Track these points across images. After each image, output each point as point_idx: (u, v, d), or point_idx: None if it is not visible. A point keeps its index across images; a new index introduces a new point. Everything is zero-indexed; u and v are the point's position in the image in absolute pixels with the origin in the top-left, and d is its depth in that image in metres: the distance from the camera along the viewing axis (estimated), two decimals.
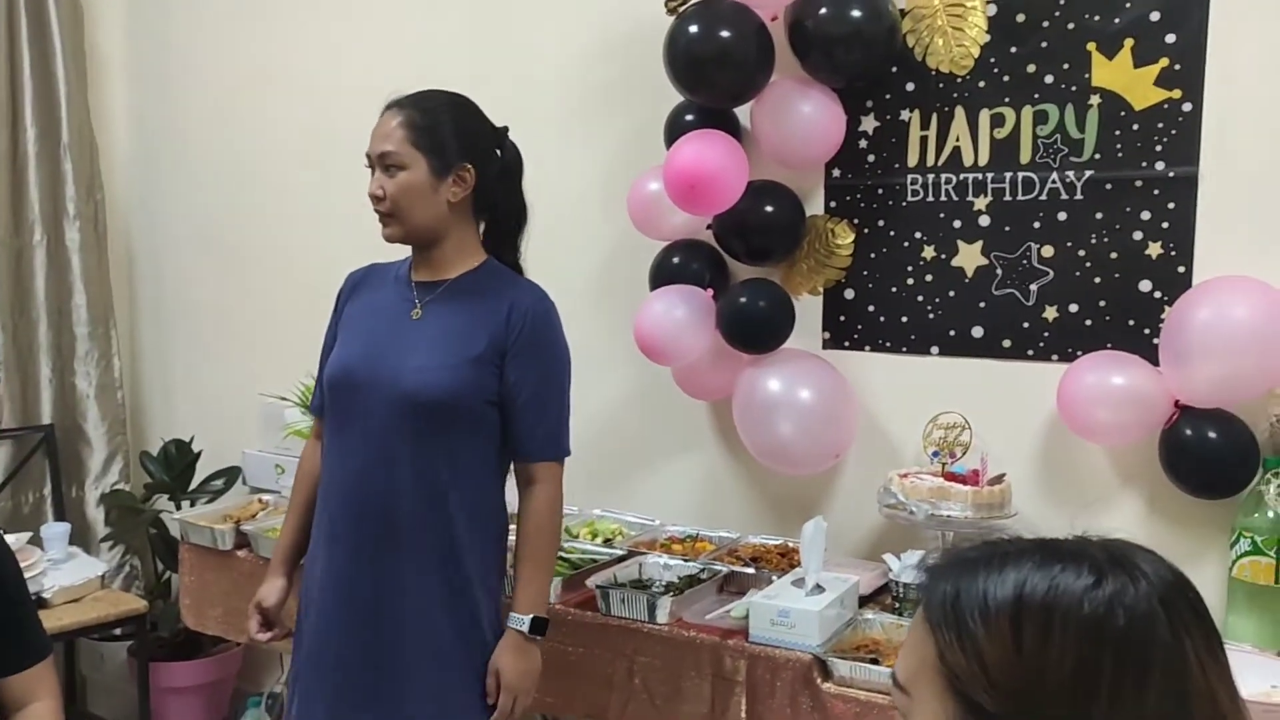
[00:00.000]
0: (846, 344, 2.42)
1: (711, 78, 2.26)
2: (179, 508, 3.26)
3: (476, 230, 1.93)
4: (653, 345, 2.33)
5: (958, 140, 2.25)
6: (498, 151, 1.91)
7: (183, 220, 3.58)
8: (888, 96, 2.32)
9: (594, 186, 2.68)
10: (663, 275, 2.46)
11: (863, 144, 2.36)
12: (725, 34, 2.22)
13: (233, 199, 3.42)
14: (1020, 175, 2.18)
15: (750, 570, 2.18)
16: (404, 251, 1.95)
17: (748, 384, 2.32)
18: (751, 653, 1.90)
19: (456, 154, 1.83)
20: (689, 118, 2.40)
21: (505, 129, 1.95)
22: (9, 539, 2.92)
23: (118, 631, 3.22)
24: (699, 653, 1.95)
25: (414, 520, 1.80)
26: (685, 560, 2.24)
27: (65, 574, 3.13)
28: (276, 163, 3.27)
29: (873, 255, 2.37)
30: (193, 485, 3.36)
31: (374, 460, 1.81)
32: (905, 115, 2.31)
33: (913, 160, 2.31)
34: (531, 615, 1.82)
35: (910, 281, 2.33)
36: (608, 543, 2.40)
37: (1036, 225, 2.17)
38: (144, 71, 3.63)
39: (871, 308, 2.38)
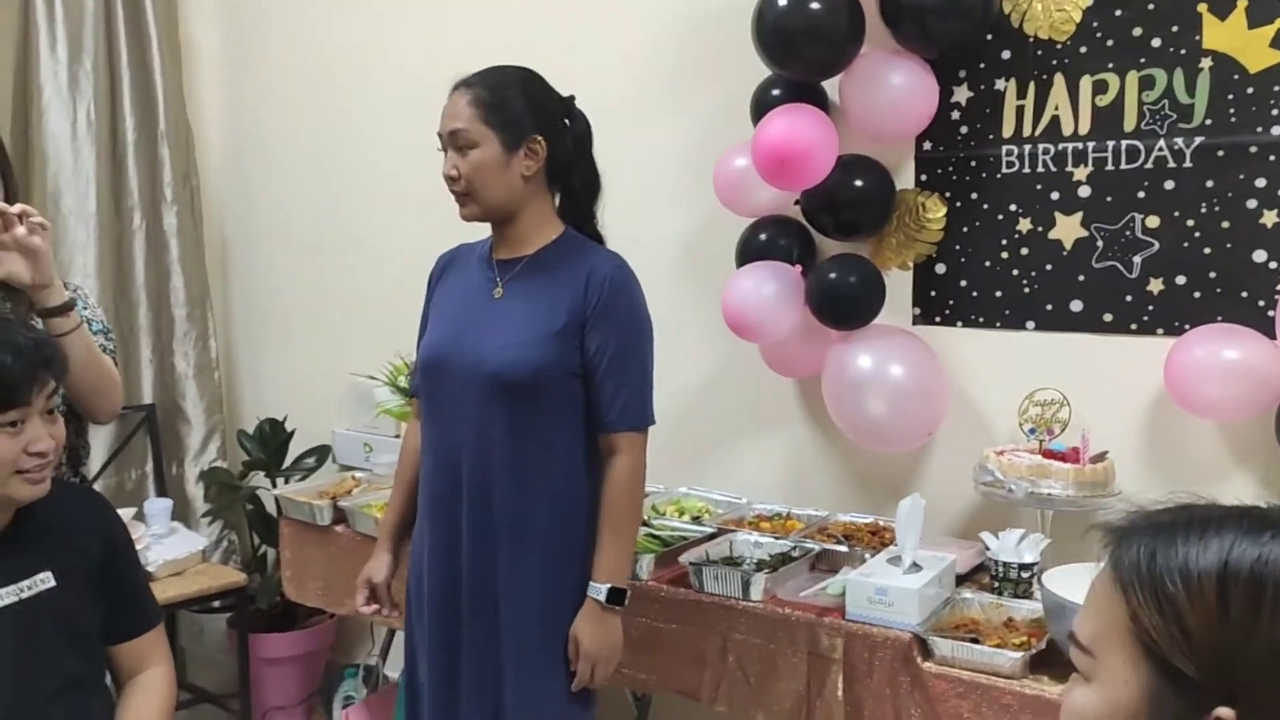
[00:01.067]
0: (938, 319, 2.38)
1: (800, 51, 2.23)
2: (274, 485, 3.35)
3: (552, 202, 1.93)
4: (742, 322, 2.32)
5: (1056, 109, 2.19)
6: (567, 121, 1.90)
7: (275, 204, 3.65)
8: (982, 66, 2.27)
9: (680, 163, 2.67)
10: (750, 252, 2.44)
11: (955, 115, 2.31)
12: (815, 6, 2.18)
13: (323, 183, 3.48)
14: (1124, 144, 2.11)
15: (843, 548, 2.17)
16: (489, 230, 1.96)
17: (837, 361, 2.30)
18: (848, 630, 1.89)
19: (526, 127, 1.82)
20: (776, 92, 2.37)
21: (572, 98, 1.93)
22: None
23: (216, 604, 3.32)
24: (794, 630, 1.95)
25: (504, 498, 1.82)
26: (776, 538, 2.23)
27: (168, 548, 3.23)
28: (365, 147, 3.32)
29: (965, 229, 2.32)
30: (286, 463, 3.44)
31: (465, 440, 1.84)
32: (1000, 85, 2.26)
33: (1008, 131, 2.25)
34: (609, 584, 1.81)
35: (1005, 255, 2.28)
36: (695, 520, 2.40)
37: (1141, 195, 2.11)
38: (237, 61, 3.70)
39: (964, 282, 2.34)
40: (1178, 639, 0.76)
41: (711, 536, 2.27)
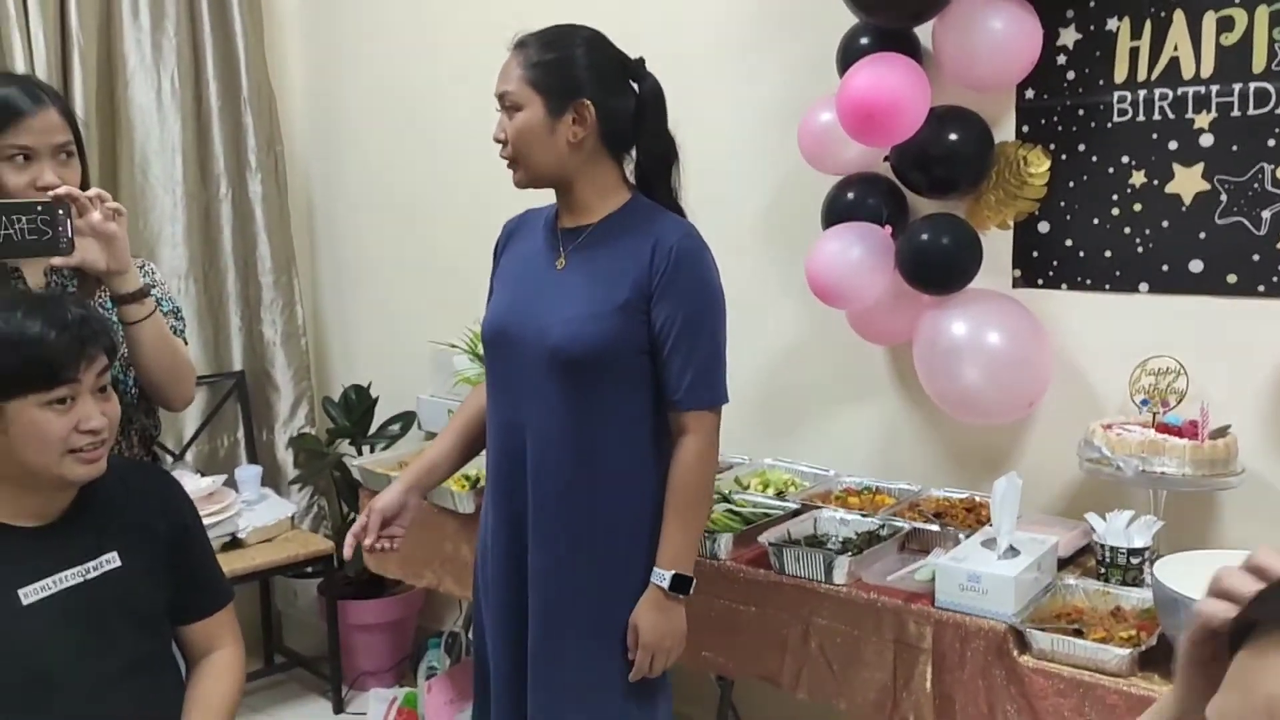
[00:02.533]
0: (1040, 282, 2.21)
1: None
2: (360, 452, 3.35)
3: (617, 169, 1.80)
4: (826, 288, 2.19)
5: (1175, 50, 1.99)
6: (634, 86, 1.77)
7: (357, 171, 3.63)
8: (1091, 4, 2.09)
9: (764, 120, 2.54)
10: (836, 212, 2.30)
11: (1061, 60, 2.13)
12: None
13: (404, 149, 3.44)
14: (1252, 87, 1.91)
15: (935, 527, 2.04)
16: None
17: (930, 327, 2.16)
18: (938, 619, 1.78)
19: (575, 91, 1.70)
20: (864, 41, 2.22)
21: (641, 60, 1.80)
22: (205, 481, 3.11)
23: (309, 569, 3.36)
24: (880, 616, 1.84)
25: (566, 477, 1.75)
26: (863, 515, 2.12)
27: (258, 514, 3.27)
28: (449, 110, 3.25)
29: (1071, 184, 2.15)
30: (372, 430, 3.44)
31: (527, 415, 1.77)
32: (1112, 25, 2.07)
33: (1120, 75, 2.07)
34: (673, 572, 1.72)
35: (1115, 212, 2.10)
36: (780, 495, 2.30)
37: (1271, 143, 1.91)
38: (318, 24, 3.67)
39: (1069, 242, 2.16)
40: None
41: (796, 513, 2.17)
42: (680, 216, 1.81)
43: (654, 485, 1.77)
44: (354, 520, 3.42)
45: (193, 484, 2.99)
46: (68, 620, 1.47)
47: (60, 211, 1.59)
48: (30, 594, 1.45)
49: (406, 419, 3.41)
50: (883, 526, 2.06)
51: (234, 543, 3.14)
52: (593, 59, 1.74)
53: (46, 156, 1.68)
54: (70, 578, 1.49)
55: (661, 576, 1.72)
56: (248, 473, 3.37)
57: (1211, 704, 0.69)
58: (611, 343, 1.71)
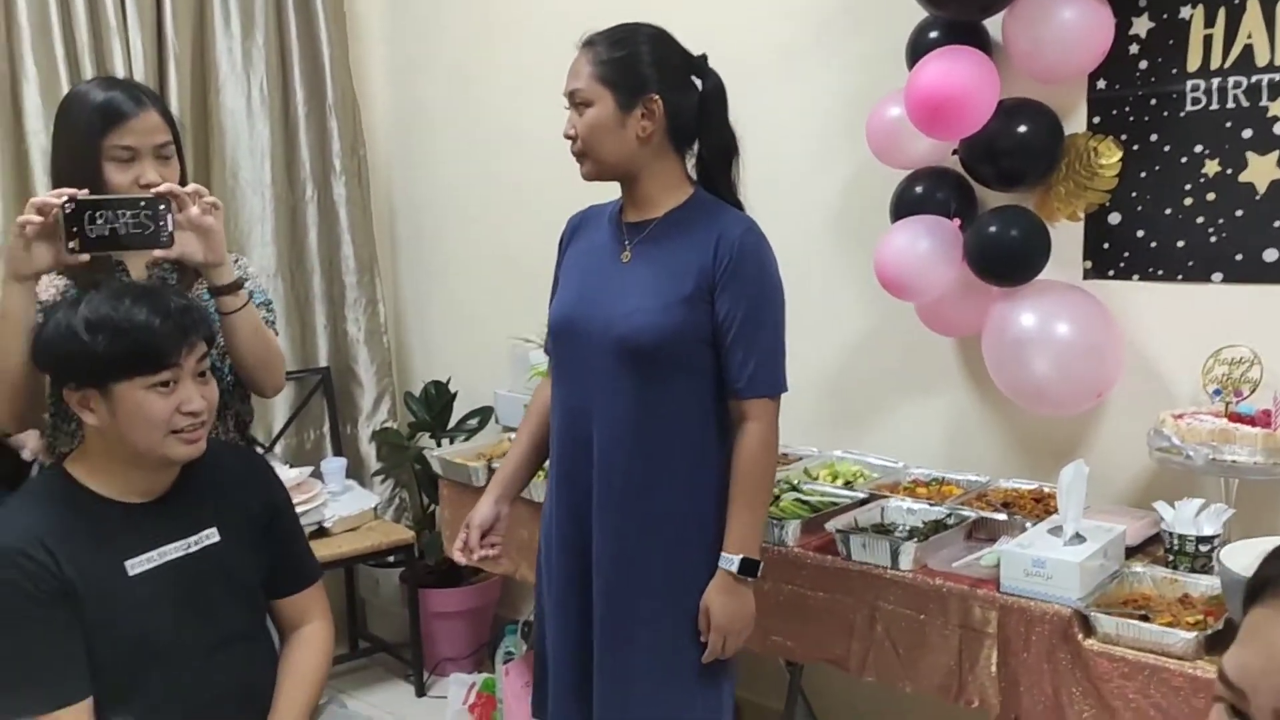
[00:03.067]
0: (1111, 273, 2.21)
1: None
2: (439, 445, 3.45)
3: (680, 164, 1.86)
4: (895, 280, 2.22)
5: (1250, 36, 1.98)
6: (696, 81, 1.83)
7: (437, 172, 3.74)
8: None
9: (833, 114, 2.56)
10: (905, 205, 2.32)
11: (1133, 49, 2.12)
12: None
13: (481, 151, 3.53)
14: None
15: (1001, 516, 2.06)
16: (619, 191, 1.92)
17: (999, 319, 2.17)
18: (1003, 604, 1.79)
19: (644, 86, 1.76)
20: (933, 34, 2.24)
21: (704, 57, 1.84)
22: (293, 472, 3.24)
23: (391, 559, 3.47)
24: (945, 601, 1.86)
25: (632, 465, 1.80)
26: (930, 504, 2.14)
27: (343, 505, 3.40)
28: (525, 112, 3.34)
29: (1143, 174, 2.14)
30: (451, 424, 3.54)
31: (593, 405, 1.82)
32: (1186, 12, 2.06)
33: (1194, 64, 2.06)
34: (741, 555, 1.76)
35: (1188, 202, 2.09)
36: (848, 485, 2.32)
37: None
38: (401, 31, 3.79)
39: (1141, 232, 2.16)
40: None
41: (863, 502, 2.19)
42: (740, 210, 1.85)
43: (718, 472, 1.82)
44: (434, 511, 3.56)
45: (281, 475, 3.11)
46: (170, 591, 1.58)
47: (161, 207, 1.70)
48: (136, 565, 1.55)
49: (484, 413, 3.50)
50: (949, 515, 2.08)
51: (320, 532, 3.26)
52: (659, 55, 1.79)
53: (148, 156, 1.78)
54: (173, 550, 1.60)
55: (730, 561, 1.77)
56: (333, 465, 3.50)
57: (1228, 656, 0.72)
58: (676, 333, 1.76)
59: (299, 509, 3.12)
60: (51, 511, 1.53)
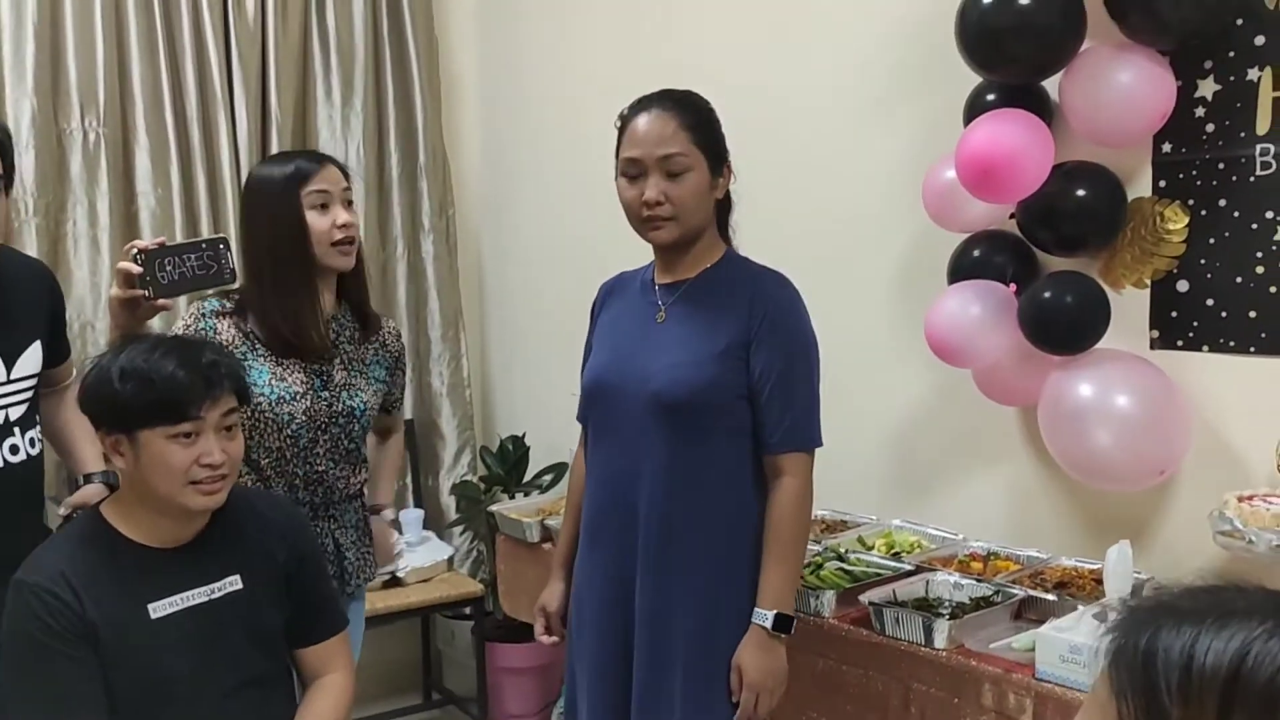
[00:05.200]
0: (1180, 343, 2.10)
1: (1008, 51, 2.05)
2: (511, 499, 3.49)
3: (716, 224, 1.90)
4: (945, 346, 2.16)
5: None
6: None
7: (523, 230, 3.82)
8: (1231, 54, 1.99)
9: (892, 178, 2.53)
10: (962, 270, 2.27)
11: (1199, 112, 2.04)
12: (1024, 1, 2.00)
13: (563, 211, 3.60)
14: None
15: (1051, 597, 1.96)
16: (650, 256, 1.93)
17: (1054, 388, 2.09)
18: (1039, 691, 1.70)
19: (724, 152, 1.84)
20: (990, 97, 2.20)
21: None
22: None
23: (468, 611, 3.51)
24: (979, 684, 1.78)
25: (669, 522, 1.80)
26: (979, 580, 2.05)
27: (419, 556, 3.45)
28: (599, 176, 3.38)
29: (1211, 240, 2.04)
30: (526, 478, 3.57)
31: (630, 464, 1.83)
32: (1253, 75, 1.97)
33: (1263, 127, 1.96)
34: (775, 611, 1.75)
35: (1260, 270, 1.98)
36: (896, 556, 2.25)
37: None
38: (493, 93, 3.91)
39: (1210, 301, 2.05)
40: None
41: (908, 574, 2.12)
42: (770, 268, 1.88)
43: (754, 528, 1.81)
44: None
45: None
46: (191, 635, 1.63)
47: (221, 246, 1.82)
48: (159, 609, 1.61)
49: (559, 469, 3.52)
50: (996, 593, 1.99)
51: (393, 581, 3.32)
52: (718, 118, 1.86)
53: (338, 200, 2.00)
54: (196, 596, 1.65)
55: (764, 617, 1.75)
56: (411, 516, 3.57)
57: None
58: (711, 387, 1.77)
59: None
60: (81, 552, 1.60)
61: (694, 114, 1.81)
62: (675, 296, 1.86)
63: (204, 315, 1.97)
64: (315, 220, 1.96)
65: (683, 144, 1.78)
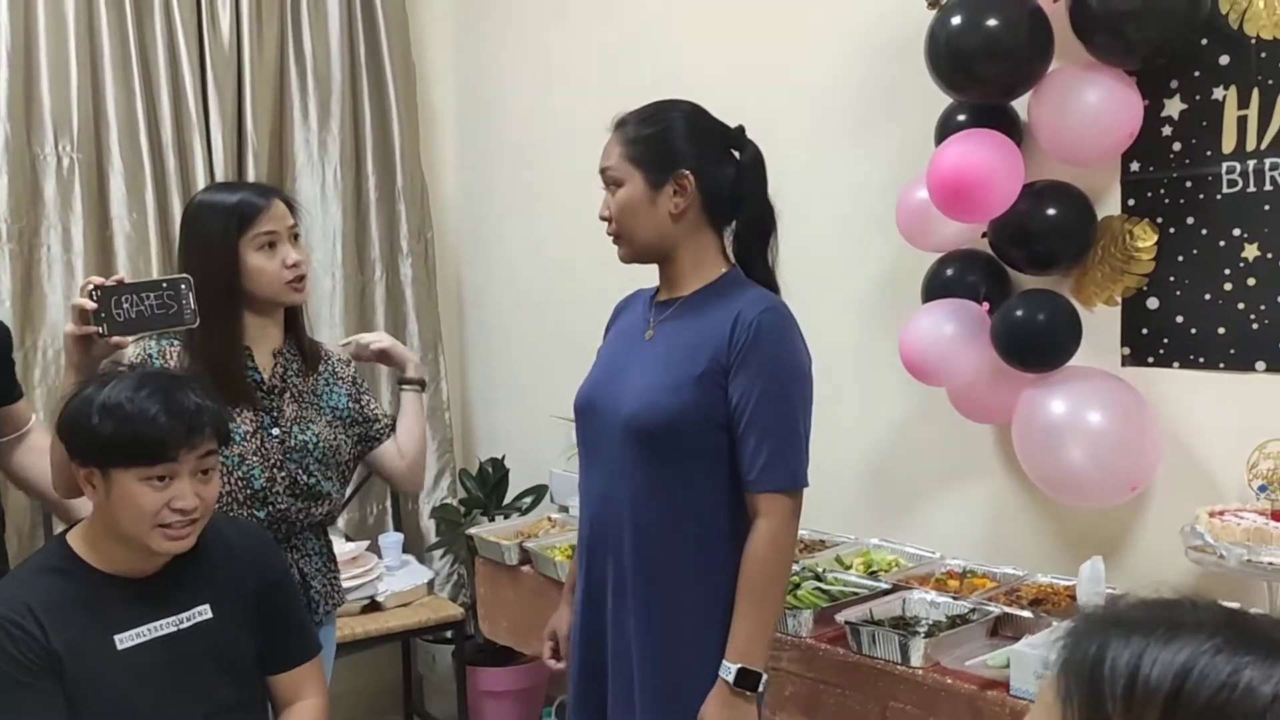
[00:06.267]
0: (1150, 360, 2.12)
1: (977, 72, 2.07)
2: (491, 521, 3.47)
3: (717, 241, 1.78)
4: (918, 364, 2.17)
5: None
6: (735, 154, 1.78)
7: (501, 254, 3.82)
8: (1196, 74, 2.02)
9: (865, 198, 2.55)
10: (935, 289, 2.28)
11: (1166, 131, 2.07)
12: (992, 23, 2.03)
13: (542, 234, 3.60)
14: None
15: (1027, 614, 1.96)
16: None
17: (1028, 406, 2.10)
18: (1014, 707, 1.71)
19: (674, 163, 1.71)
20: (961, 118, 2.22)
21: (741, 128, 1.79)
22: (349, 546, 3.30)
23: (448, 634, 3.48)
24: (955, 702, 1.78)
25: (636, 552, 1.73)
26: (955, 598, 2.05)
27: (398, 580, 3.43)
28: (578, 200, 3.39)
29: (1180, 258, 2.06)
30: (506, 501, 3.56)
31: (607, 488, 1.77)
32: (1219, 94, 2.00)
33: (1229, 145, 1.99)
34: (739, 665, 1.63)
35: (1228, 287, 2.00)
36: (873, 574, 2.25)
37: None
38: (471, 116, 3.92)
39: (1180, 318, 2.07)
40: None
41: (884, 593, 2.12)
42: (771, 290, 1.77)
43: (727, 567, 1.69)
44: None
45: (339, 548, 3.17)
46: (159, 666, 1.60)
47: (183, 286, 1.78)
48: (126, 640, 1.59)
49: (539, 491, 3.52)
50: (972, 610, 1.99)
51: (372, 605, 3.30)
52: (691, 129, 1.75)
53: (285, 238, 1.97)
54: (164, 626, 1.63)
55: (728, 670, 1.64)
56: (390, 540, 3.54)
57: None
58: (685, 415, 1.68)
59: (352, 582, 3.20)
60: (46, 582, 1.58)
61: (639, 127, 1.75)
62: (666, 314, 1.79)
63: (159, 340, 1.94)
64: (264, 263, 1.93)
65: (614, 158, 1.75)
